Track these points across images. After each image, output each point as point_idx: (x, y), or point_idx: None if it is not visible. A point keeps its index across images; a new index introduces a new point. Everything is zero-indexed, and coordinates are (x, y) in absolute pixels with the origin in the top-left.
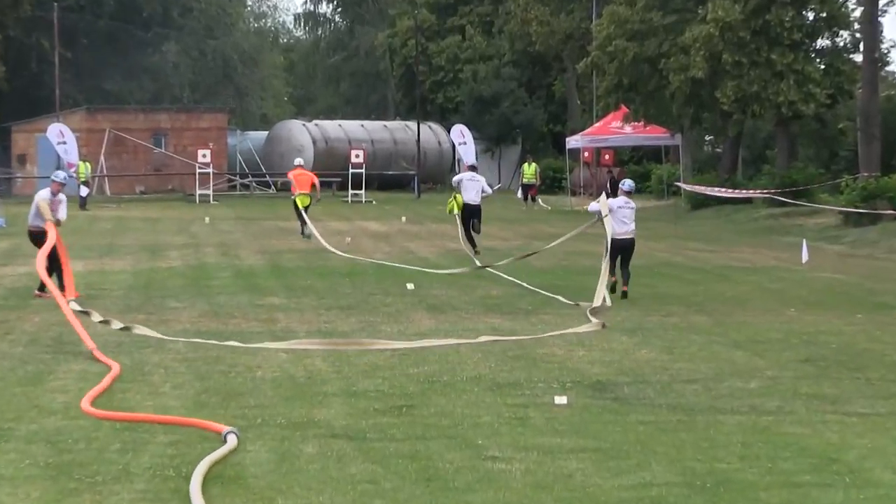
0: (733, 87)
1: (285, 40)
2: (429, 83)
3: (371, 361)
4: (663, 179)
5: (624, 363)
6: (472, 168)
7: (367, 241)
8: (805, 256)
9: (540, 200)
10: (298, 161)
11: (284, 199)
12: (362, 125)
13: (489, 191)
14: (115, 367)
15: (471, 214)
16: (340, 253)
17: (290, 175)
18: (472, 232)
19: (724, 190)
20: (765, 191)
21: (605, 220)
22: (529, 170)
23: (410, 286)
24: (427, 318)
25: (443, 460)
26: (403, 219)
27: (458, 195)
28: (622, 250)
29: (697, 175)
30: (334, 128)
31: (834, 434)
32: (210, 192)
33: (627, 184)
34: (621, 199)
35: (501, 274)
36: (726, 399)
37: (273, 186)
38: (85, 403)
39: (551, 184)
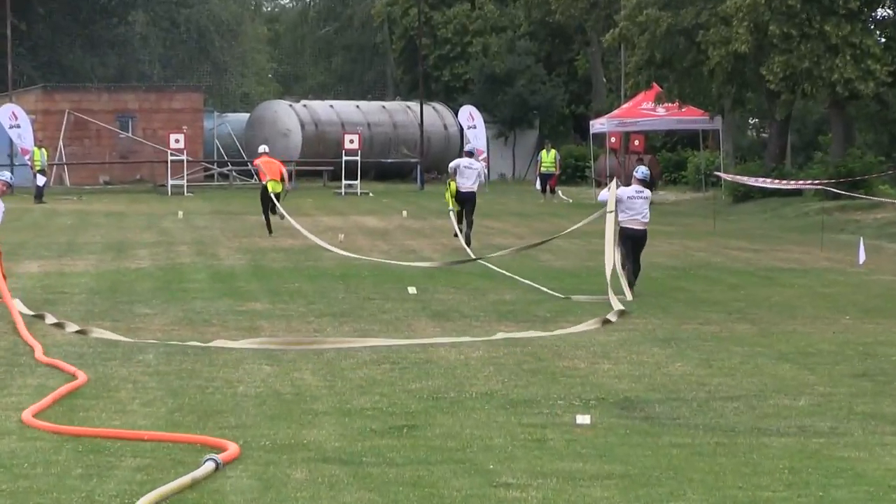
0: (781, 63)
1: (269, 9)
2: (433, 58)
3: (368, 375)
4: (701, 169)
5: (655, 378)
6: (469, 154)
7: (362, 238)
8: (862, 256)
9: (560, 192)
10: (263, 148)
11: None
12: (357, 106)
13: (482, 178)
14: (81, 377)
15: (463, 202)
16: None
17: (257, 163)
18: (464, 220)
19: (770, 180)
20: (817, 182)
21: (608, 215)
22: (548, 157)
23: (412, 290)
24: (431, 327)
25: (449, 488)
26: (404, 213)
27: (452, 182)
28: (633, 242)
29: (740, 164)
30: (325, 109)
31: (894, 458)
32: (184, 182)
33: (641, 171)
34: (633, 189)
35: (494, 267)
36: (772, 419)
37: (257, 176)
38: (27, 415)
39: (573, 173)
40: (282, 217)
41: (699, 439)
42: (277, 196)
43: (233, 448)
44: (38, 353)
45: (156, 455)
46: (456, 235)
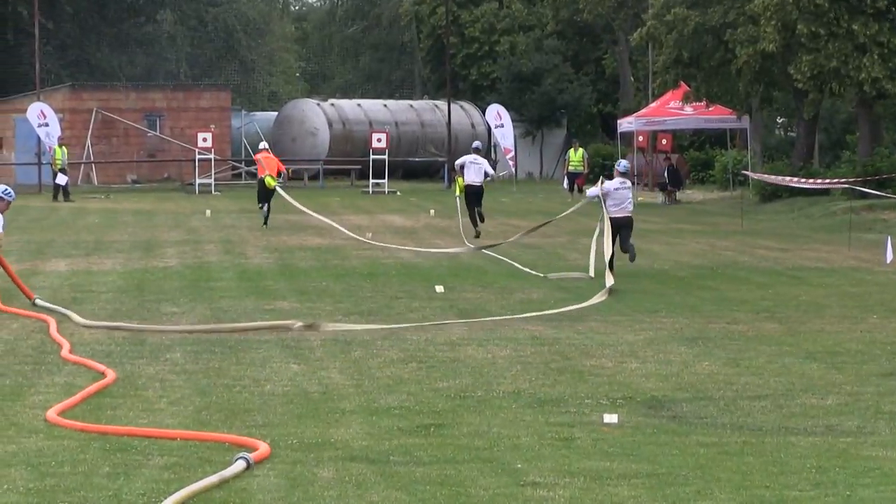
0: (809, 62)
1: (297, 8)
2: (461, 57)
3: (395, 374)
4: (728, 168)
5: (683, 377)
6: (476, 150)
7: (389, 236)
8: (889, 256)
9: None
10: (264, 144)
11: (296, 189)
12: (385, 105)
13: (492, 173)
14: (110, 375)
15: (472, 196)
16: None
17: (258, 157)
18: (476, 217)
19: (797, 179)
20: (844, 180)
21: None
22: (576, 156)
23: (440, 289)
24: (458, 325)
25: (476, 486)
26: (432, 212)
27: (459, 178)
28: (620, 227)
29: (768, 163)
30: (353, 108)
31: None
32: (211, 181)
33: (623, 164)
34: (617, 181)
35: (491, 253)
36: (799, 418)
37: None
38: (51, 413)
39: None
40: (265, 221)
41: (726, 438)
42: (272, 191)
43: (263, 447)
44: (65, 350)
45: (183, 454)
46: (476, 234)
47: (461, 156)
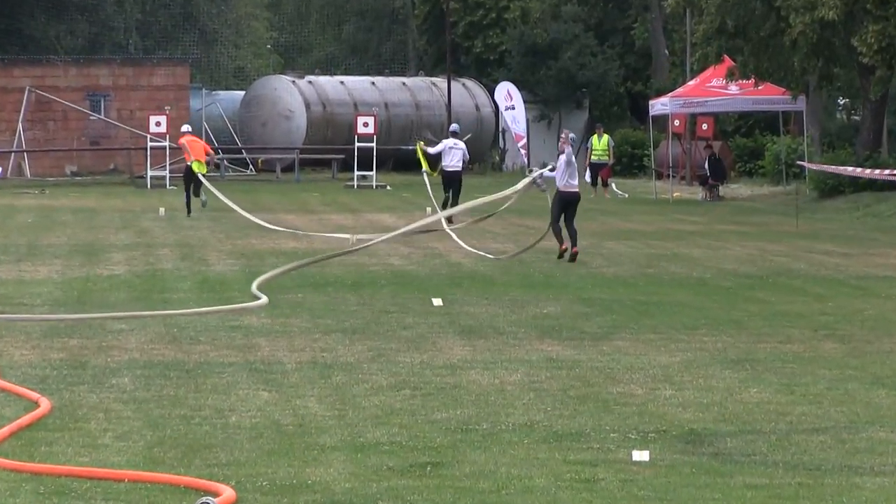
0: (876, 33)
1: None
2: (463, 26)
3: (384, 403)
4: (781, 158)
5: (726, 406)
6: (454, 134)
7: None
8: None
9: (614, 185)
10: (186, 128)
11: (267, 182)
12: (373, 83)
13: (467, 157)
14: (45, 404)
15: (448, 181)
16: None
17: (182, 142)
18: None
19: (863, 171)
20: None
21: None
22: (600, 144)
23: (437, 302)
24: (460, 345)
25: None
26: (428, 210)
27: (420, 143)
28: (567, 205)
29: (827, 151)
30: (335, 86)
31: None
32: (166, 173)
33: (570, 136)
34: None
35: (455, 236)
36: (865, 455)
37: (253, 166)
38: None
39: (629, 163)
40: (203, 204)
41: (778, 479)
42: (200, 178)
43: (228, 492)
44: None
45: (131, 498)
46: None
47: (467, 143)
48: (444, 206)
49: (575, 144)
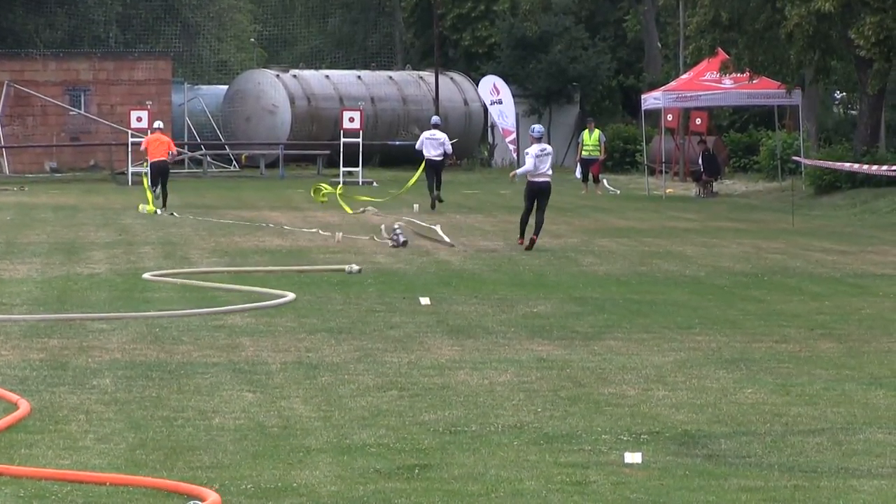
0: (874, 25)
1: None
2: (451, 18)
3: (371, 404)
4: (776, 153)
5: (721, 407)
6: (435, 126)
7: (363, 237)
8: None
9: (605, 181)
10: (158, 124)
11: (251, 179)
12: (359, 77)
13: (449, 149)
14: (24, 406)
15: (430, 168)
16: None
17: (146, 142)
18: (433, 186)
19: (861, 166)
20: None
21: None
22: (591, 139)
23: (425, 301)
24: (448, 346)
25: None
26: (416, 207)
27: (321, 185)
28: (537, 194)
29: (824, 147)
30: (320, 80)
31: None
32: (147, 169)
33: (537, 130)
34: (537, 148)
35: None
36: (862, 457)
37: (237, 162)
38: None
39: (621, 159)
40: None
41: (774, 482)
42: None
43: (213, 497)
44: None
45: (113, 501)
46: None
47: (455, 138)
48: (430, 189)
49: (542, 137)
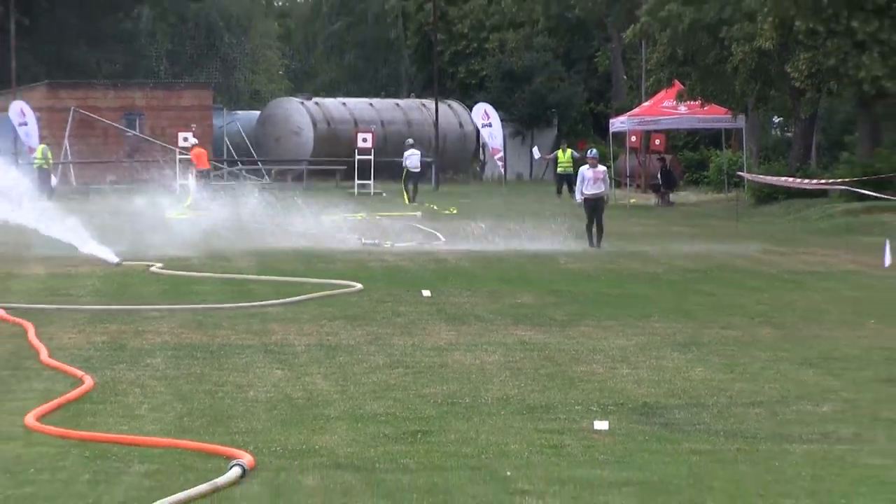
0: (806, 60)
1: (280, 4)
2: (449, 54)
3: (381, 380)
4: (723, 169)
5: (675, 383)
6: (412, 145)
7: (378, 238)
8: (888, 259)
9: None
10: (193, 141)
11: (280, 190)
12: (371, 104)
13: (424, 159)
14: (88, 381)
15: (409, 178)
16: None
17: (194, 154)
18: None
19: (794, 180)
20: (843, 182)
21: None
22: (564, 157)
23: (426, 293)
24: (446, 330)
25: (464, 494)
26: (418, 213)
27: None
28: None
29: (764, 164)
30: (338, 107)
31: None
32: (193, 181)
33: (593, 152)
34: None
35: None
36: (794, 425)
37: (267, 176)
38: (29, 418)
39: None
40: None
41: (719, 446)
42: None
43: (248, 457)
44: (44, 355)
45: (165, 461)
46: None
47: (452, 156)
48: (410, 196)
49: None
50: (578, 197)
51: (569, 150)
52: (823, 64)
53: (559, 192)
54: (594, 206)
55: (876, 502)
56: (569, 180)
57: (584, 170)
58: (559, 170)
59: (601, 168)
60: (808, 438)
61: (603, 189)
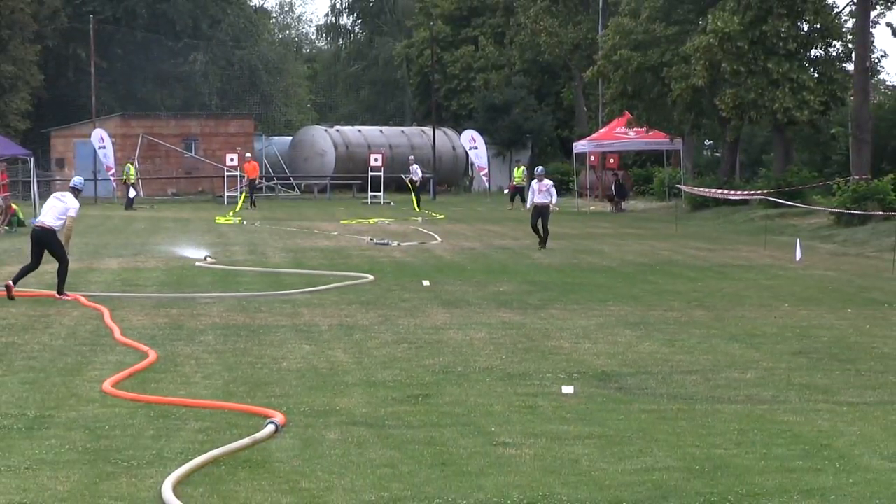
0: (732, 95)
1: (308, 50)
2: (444, 91)
3: (390, 353)
4: (665, 182)
5: (627, 355)
6: (413, 161)
7: (386, 238)
8: (799, 255)
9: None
10: (249, 155)
11: (308, 200)
12: (381, 131)
13: (419, 173)
14: (152, 355)
15: (412, 186)
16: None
17: (248, 167)
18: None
19: (722, 192)
20: (761, 192)
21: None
22: (518, 173)
23: (426, 283)
24: (442, 313)
25: (457, 446)
26: (419, 219)
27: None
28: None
29: (698, 178)
30: (354, 133)
31: (825, 422)
32: (237, 193)
33: (540, 169)
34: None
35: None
36: (724, 389)
37: (297, 188)
38: (106, 385)
39: (559, 186)
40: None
41: (664, 406)
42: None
43: (280, 417)
44: (117, 334)
45: (214, 419)
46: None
47: (446, 172)
48: (418, 203)
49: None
50: (529, 204)
51: (522, 167)
52: (745, 98)
53: (512, 199)
54: (541, 213)
55: (790, 451)
56: (521, 192)
57: (534, 183)
58: (514, 183)
59: (547, 182)
60: (735, 400)
61: (549, 199)
